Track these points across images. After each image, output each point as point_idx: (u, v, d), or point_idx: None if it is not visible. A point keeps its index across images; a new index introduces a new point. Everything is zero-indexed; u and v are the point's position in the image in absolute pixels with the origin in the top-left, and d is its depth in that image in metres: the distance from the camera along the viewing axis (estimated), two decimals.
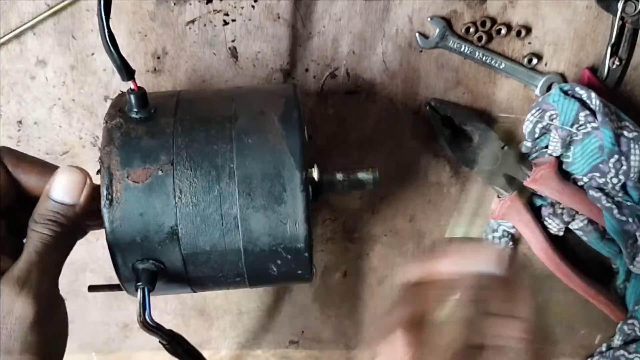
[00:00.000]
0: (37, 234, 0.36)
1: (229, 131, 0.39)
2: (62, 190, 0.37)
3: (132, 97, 0.39)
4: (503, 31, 0.50)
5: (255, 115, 0.41)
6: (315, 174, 0.43)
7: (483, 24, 0.50)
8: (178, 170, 0.38)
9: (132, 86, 0.39)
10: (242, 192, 0.38)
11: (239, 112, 0.41)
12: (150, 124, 0.40)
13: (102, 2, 0.38)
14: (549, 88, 0.51)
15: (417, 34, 0.50)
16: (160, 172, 0.38)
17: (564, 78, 0.52)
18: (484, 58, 0.51)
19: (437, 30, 0.50)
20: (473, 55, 0.50)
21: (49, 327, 0.36)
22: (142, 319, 0.38)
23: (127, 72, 0.39)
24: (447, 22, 0.50)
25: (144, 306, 0.38)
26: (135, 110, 0.40)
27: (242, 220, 0.38)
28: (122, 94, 0.42)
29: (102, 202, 0.38)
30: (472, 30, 0.50)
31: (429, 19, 0.50)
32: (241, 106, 0.41)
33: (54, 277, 0.37)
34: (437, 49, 0.51)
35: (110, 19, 0.38)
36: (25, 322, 0.34)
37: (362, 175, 0.45)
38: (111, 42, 0.38)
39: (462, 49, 0.50)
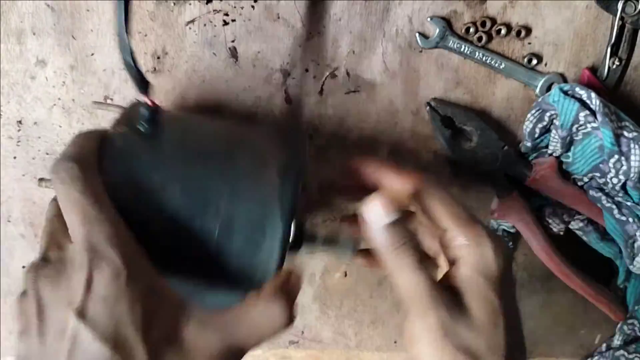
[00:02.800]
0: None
1: (228, 171, 0.39)
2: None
3: (141, 109, 0.39)
4: (503, 31, 0.50)
5: (256, 158, 0.40)
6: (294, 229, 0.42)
7: (483, 24, 0.50)
8: (168, 191, 0.37)
9: (146, 100, 0.38)
10: (222, 229, 0.38)
11: (241, 152, 0.40)
12: (154, 142, 0.39)
13: (122, 10, 0.37)
14: (549, 88, 0.51)
15: (417, 34, 0.50)
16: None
17: (564, 78, 0.52)
18: (484, 58, 0.51)
19: (437, 31, 0.50)
20: (473, 56, 0.51)
21: None
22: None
23: (142, 84, 0.38)
24: (447, 23, 0.50)
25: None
26: (142, 123, 0.39)
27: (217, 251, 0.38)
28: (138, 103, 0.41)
29: None
30: (472, 30, 0.50)
31: (428, 19, 0.50)
32: (245, 146, 0.40)
33: None
34: (437, 49, 0.51)
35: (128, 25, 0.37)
36: None
37: (342, 241, 0.45)
38: (130, 53, 0.37)
39: (462, 49, 0.50)
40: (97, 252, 0.32)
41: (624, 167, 0.49)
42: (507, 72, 0.51)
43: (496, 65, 0.51)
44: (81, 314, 0.31)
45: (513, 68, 0.51)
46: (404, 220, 0.37)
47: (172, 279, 0.37)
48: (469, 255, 0.37)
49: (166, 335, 0.33)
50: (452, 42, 0.50)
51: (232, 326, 0.35)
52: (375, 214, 0.37)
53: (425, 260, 0.38)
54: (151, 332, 0.32)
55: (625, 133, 0.49)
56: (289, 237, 0.39)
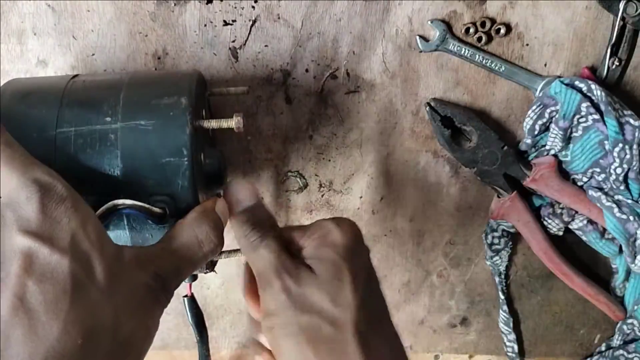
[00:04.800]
0: None
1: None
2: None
3: None
4: (502, 31, 0.50)
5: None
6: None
7: (483, 24, 0.50)
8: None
9: None
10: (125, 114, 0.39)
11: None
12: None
13: None
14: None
15: (417, 37, 0.50)
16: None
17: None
18: (484, 61, 0.51)
19: (438, 34, 0.50)
20: (473, 58, 0.51)
21: None
22: None
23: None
24: (447, 25, 0.50)
25: None
26: None
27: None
28: None
29: None
30: (471, 30, 0.50)
31: (429, 22, 0.50)
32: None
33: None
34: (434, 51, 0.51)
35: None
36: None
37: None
38: None
39: (462, 52, 0.50)
40: (41, 183, 0.32)
41: (628, 156, 0.49)
42: (507, 74, 0.51)
43: (496, 68, 0.51)
44: (37, 234, 0.31)
45: (513, 71, 0.51)
46: (261, 209, 0.40)
47: None
48: (314, 237, 0.39)
49: (116, 257, 0.34)
50: (453, 45, 0.50)
51: (159, 258, 0.36)
52: (235, 196, 0.40)
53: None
54: (104, 249, 0.33)
55: (631, 121, 0.49)
56: (195, 156, 0.39)
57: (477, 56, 0.51)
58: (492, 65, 0.51)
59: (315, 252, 0.38)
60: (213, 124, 0.41)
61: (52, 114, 0.39)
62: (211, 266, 0.47)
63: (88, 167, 0.38)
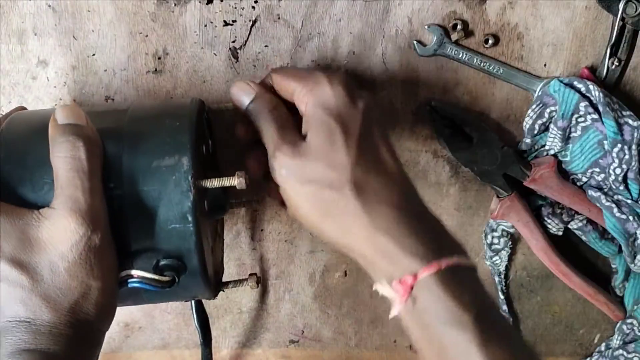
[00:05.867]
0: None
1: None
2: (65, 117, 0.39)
3: None
4: (490, 41, 0.50)
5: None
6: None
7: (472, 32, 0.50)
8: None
9: None
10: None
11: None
12: None
13: None
14: None
15: (414, 42, 0.50)
16: None
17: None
18: (482, 64, 0.51)
19: (435, 38, 0.50)
20: (471, 62, 0.51)
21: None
22: None
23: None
24: (445, 30, 0.50)
25: None
26: None
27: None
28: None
29: None
30: (459, 27, 0.50)
31: (426, 27, 0.50)
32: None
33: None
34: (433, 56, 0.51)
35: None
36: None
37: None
38: None
39: (460, 56, 0.50)
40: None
41: (627, 157, 0.49)
42: (505, 77, 0.51)
43: (494, 71, 0.51)
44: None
45: (511, 73, 0.51)
46: (264, 97, 0.43)
47: None
48: (310, 97, 0.41)
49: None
50: (450, 49, 0.50)
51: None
52: (238, 94, 0.43)
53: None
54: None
55: (630, 121, 0.49)
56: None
57: (474, 60, 0.51)
58: (490, 68, 0.51)
59: (309, 116, 0.41)
60: (215, 183, 0.40)
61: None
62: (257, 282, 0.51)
63: None
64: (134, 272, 0.38)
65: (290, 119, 0.42)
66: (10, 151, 0.38)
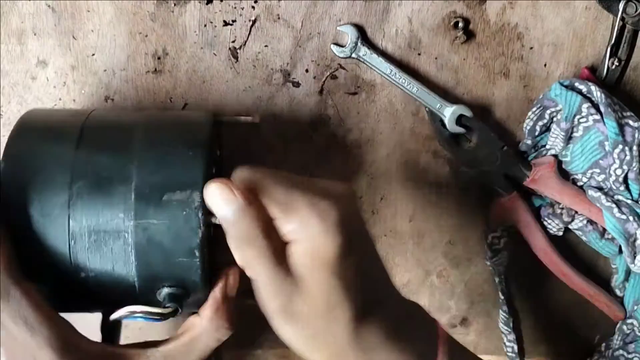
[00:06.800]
0: None
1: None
2: None
3: None
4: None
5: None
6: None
7: (456, 25, 0.49)
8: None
9: None
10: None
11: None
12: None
13: None
14: (457, 120, 0.51)
15: (330, 45, 0.50)
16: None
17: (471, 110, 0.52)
18: (391, 75, 0.50)
19: (349, 40, 0.49)
20: (383, 71, 0.50)
21: None
22: None
23: None
24: (361, 30, 0.49)
25: None
26: None
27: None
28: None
29: None
30: (461, 25, 0.49)
31: (338, 28, 0.49)
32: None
33: None
34: (352, 59, 0.50)
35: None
36: None
37: None
38: None
39: (372, 62, 0.49)
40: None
41: (627, 158, 0.49)
42: (419, 96, 0.50)
43: (408, 86, 0.50)
44: None
45: (424, 93, 0.50)
46: (250, 210, 0.35)
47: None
48: (298, 239, 0.36)
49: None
50: (364, 52, 0.49)
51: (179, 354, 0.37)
52: (215, 201, 0.36)
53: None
54: None
55: (631, 122, 0.49)
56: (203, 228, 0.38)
57: (386, 69, 0.50)
58: (401, 81, 0.50)
59: (304, 267, 0.36)
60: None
61: (63, 207, 0.37)
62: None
63: (102, 265, 0.38)
64: (138, 308, 0.38)
65: (278, 244, 0.36)
66: None
